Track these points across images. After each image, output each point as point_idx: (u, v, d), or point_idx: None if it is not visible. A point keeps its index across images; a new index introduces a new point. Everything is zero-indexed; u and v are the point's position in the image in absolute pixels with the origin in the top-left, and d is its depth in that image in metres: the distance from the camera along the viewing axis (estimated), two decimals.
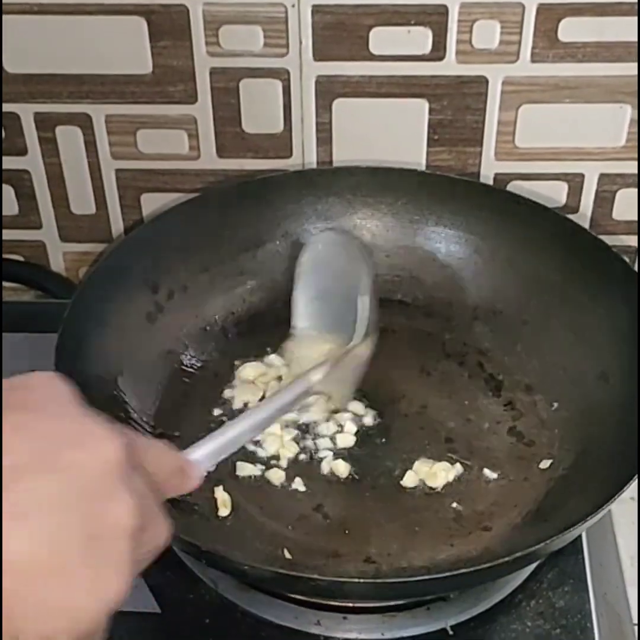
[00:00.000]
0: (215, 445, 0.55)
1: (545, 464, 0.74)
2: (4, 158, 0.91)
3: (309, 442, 0.75)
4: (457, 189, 0.85)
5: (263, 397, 0.78)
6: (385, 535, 0.70)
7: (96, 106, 0.88)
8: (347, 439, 0.76)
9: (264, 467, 0.74)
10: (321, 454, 0.75)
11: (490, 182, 0.90)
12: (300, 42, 0.83)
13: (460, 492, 0.73)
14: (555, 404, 0.77)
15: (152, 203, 0.93)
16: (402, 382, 0.80)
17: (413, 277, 0.86)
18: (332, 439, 0.76)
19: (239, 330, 0.84)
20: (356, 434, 0.76)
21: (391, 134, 0.88)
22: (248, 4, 0.81)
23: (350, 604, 0.68)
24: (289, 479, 0.73)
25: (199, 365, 0.81)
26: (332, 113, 0.87)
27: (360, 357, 0.74)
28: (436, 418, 0.78)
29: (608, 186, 0.90)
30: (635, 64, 0.83)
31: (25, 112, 0.88)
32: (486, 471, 0.74)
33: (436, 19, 0.81)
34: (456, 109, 0.87)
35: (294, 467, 0.74)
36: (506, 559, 0.60)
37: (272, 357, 0.81)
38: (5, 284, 0.98)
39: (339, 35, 0.83)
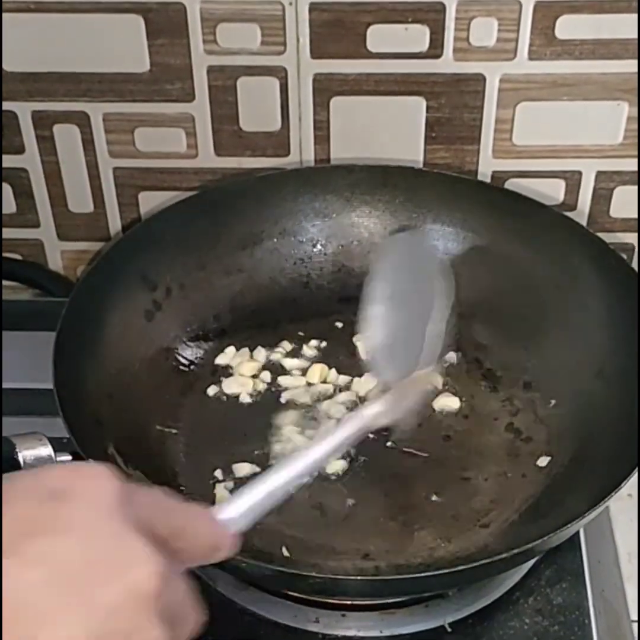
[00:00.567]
0: (255, 500, 0.50)
1: (543, 461, 0.74)
2: (2, 157, 0.91)
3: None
4: (454, 187, 0.85)
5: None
6: (383, 533, 0.70)
7: (94, 104, 0.87)
8: None
9: (261, 468, 0.73)
10: None
11: (488, 180, 0.90)
12: (298, 40, 0.83)
13: (457, 489, 0.73)
14: (553, 401, 0.77)
15: (149, 201, 0.93)
16: None
17: None
18: None
19: (237, 327, 0.83)
20: None
21: (389, 132, 0.88)
22: (245, 1, 0.81)
23: (349, 602, 0.68)
24: None
25: (196, 362, 0.81)
26: (329, 111, 0.87)
27: (424, 385, 0.69)
28: (434, 415, 0.77)
29: (605, 183, 0.90)
30: (633, 61, 0.83)
31: (23, 110, 0.88)
32: (484, 468, 0.74)
33: (433, 16, 0.81)
34: (454, 106, 0.87)
35: None
36: (504, 555, 0.60)
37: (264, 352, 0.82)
38: (3, 282, 0.98)
39: (337, 33, 0.83)
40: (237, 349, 0.82)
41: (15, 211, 0.94)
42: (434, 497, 0.72)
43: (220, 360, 0.81)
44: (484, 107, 0.87)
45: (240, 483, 0.72)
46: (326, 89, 0.86)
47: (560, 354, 0.78)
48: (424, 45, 0.83)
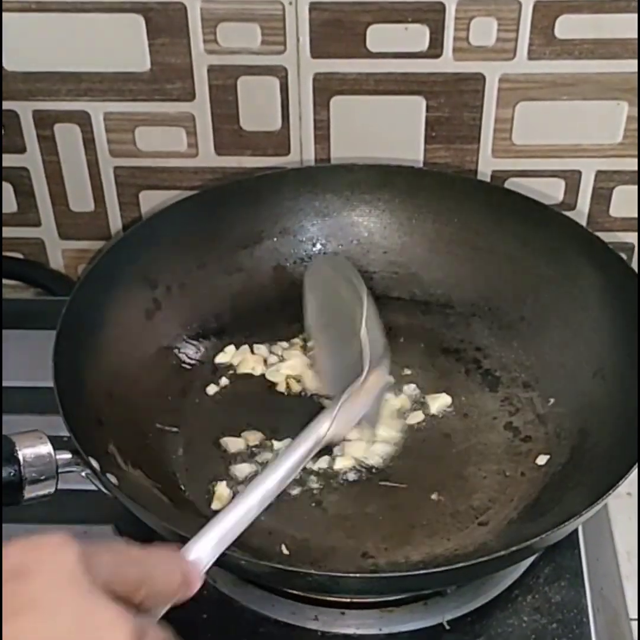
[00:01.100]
0: (218, 534, 0.52)
1: (542, 459, 0.74)
2: (3, 156, 0.91)
3: None
4: (454, 186, 0.85)
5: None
6: (382, 531, 0.70)
7: (94, 104, 0.88)
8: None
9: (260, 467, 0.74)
10: None
11: (488, 179, 0.90)
12: (298, 40, 0.83)
13: (457, 487, 0.73)
14: (552, 400, 0.77)
15: (150, 200, 0.93)
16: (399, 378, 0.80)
17: (411, 274, 0.86)
18: None
19: (237, 326, 0.84)
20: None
21: (389, 131, 0.89)
22: (245, 1, 0.81)
23: (348, 600, 0.69)
24: None
25: (196, 360, 0.81)
26: (329, 110, 0.87)
27: (375, 386, 0.70)
28: (433, 414, 0.78)
29: (605, 183, 0.91)
30: (633, 61, 0.83)
31: (24, 110, 0.88)
32: (483, 467, 0.74)
33: (433, 16, 0.81)
34: (453, 106, 0.87)
35: None
36: (502, 552, 0.60)
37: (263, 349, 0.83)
38: (4, 281, 0.99)
39: (336, 32, 0.83)
40: (237, 348, 0.82)
41: (16, 210, 0.95)
42: (433, 496, 0.72)
43: (220, 359, 0.82)
44: (483, 107, 0.87)
45: (240, 483, 0.73)
46: (326, 88, 0.86)
47: (559, 353, 0.78)
48: (423, 45, 0.83)
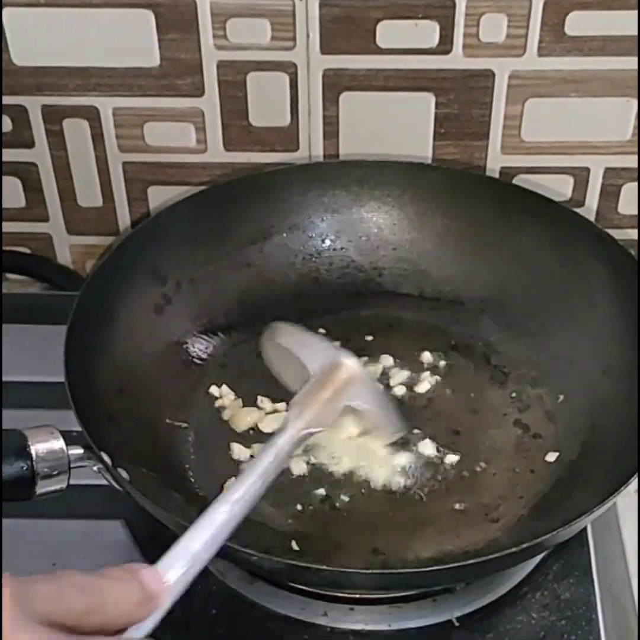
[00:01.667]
0: (189, 546, 0.51)
1: (551, 456, 0.74)
2: (12, 151, 0.91)
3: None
4: (463, 182, 0.85)
5: None
6: (392, 528, 0.70)
7: (103, 99, 0.88)
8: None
9: None
10: None
11: (496, 176, 0.90)
12: (308, 36, 0.83)
13: (466, 484, 0.73)
14: (561, 397, 0.77)
15: (159, 196, 0.93)
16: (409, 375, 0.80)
17: (420, 270, 0.86)
18: None
19: (246, 322, 0.83)
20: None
21: (398, 128, 0.88)
22: None
23: (357, 596, 0.69)
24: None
25: (206, 356, 0.81)
26: (339, 106, 0.87)
27: (341, 378, 0.67)
28: (442, 410, 0.78)
29: (614, 180, 0.90)
30: None
31: (33, 105, 0.88)
32: (492, 463, 0.74)
33: (443, 12, 0.81)
34: (462, 102, 0.87)
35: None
36: (513, 550, 0.61)
37: None
38: (11, 276, 0.98)
39: (346, 28, 0.83)
40: (246, 344, 0.82)
41: (25, 205, 0.95)
42: (442, 493, 0.72)
43: (230, 354, 0.82)
44: (492, 103, 0.87)
45: None
46: (335, 84, 0.86)
47: (568, 349, 0.78)
48: (433, 41, 0.83)
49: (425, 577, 0.63)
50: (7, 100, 0.87)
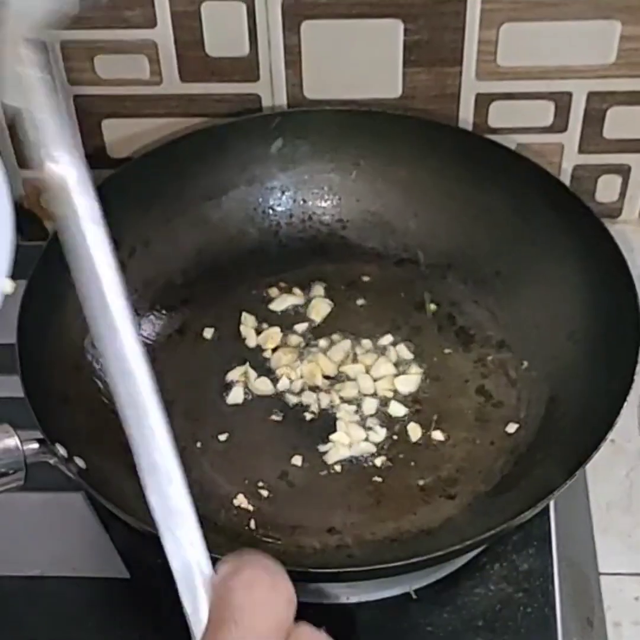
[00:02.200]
0: None
1: (512, 427, 0.72)
2: None
3: None
4: (430, 133, 0.80)
5: None
6: (350, 504, 0.70)
7: (49, 32, 0.82)
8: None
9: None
10: None
11: (471, 104, 0.85)
12: None
13: (424, 456, 0.72)
14: (525, 363, 0.75)
15: (113, 129, 0.88)
16: (371, 336, 0.78)
17: (384, 223, 0.82)
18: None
19: (205, 282, 0.81)
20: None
21: (365, 56, 0.82)
22: None
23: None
24: None
25: (167, 320, 0.79)
26: (300, 35, 0.81)
27: None
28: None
29: (598, 105, 0.85)
30: None
31: None
32: (452, 433, 0.73)
33: None
34: (433, 28, 0.80)
35: None
36: (468, 542, 0.60)
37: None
38: None
39: None
40: (208, 304, 0.80)
41: None
42: (400, 467, 0.71)
43: (191, 317, 0.79)
44: (465, 29, 0.80)
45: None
46: (296, 13, 0.80)
47: (534, 312, 0.76)
48: None
49: (380, 572, 0.63)
50: None
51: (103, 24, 0.81)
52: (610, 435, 0.75)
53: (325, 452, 0.72)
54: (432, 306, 0.79)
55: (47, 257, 0.72)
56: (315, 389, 0.75)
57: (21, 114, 0.46)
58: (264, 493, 0.70)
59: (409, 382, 0.75)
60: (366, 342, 0.77)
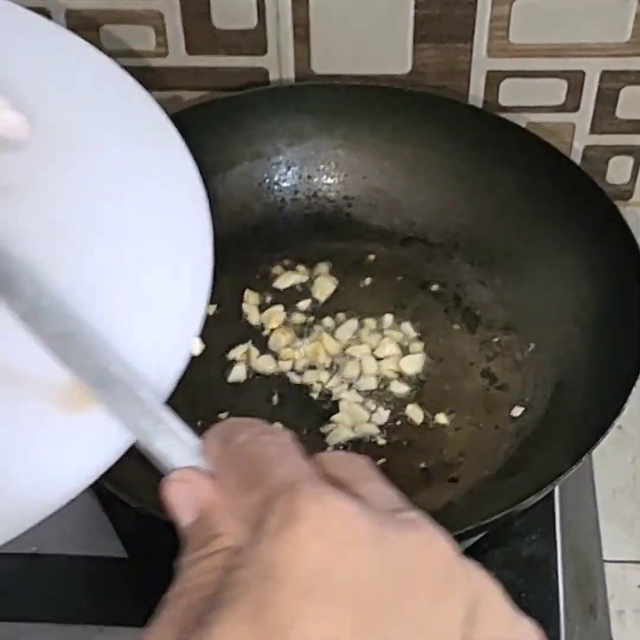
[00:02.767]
0: None
1: (517, 411, 0.71)
2: None
3: None
4: (440, 109, 0.79)
5: None
6: None
7: (55, 1, 0.81)
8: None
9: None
10: None
11: (482, 81, 0.83)
12: None
13: (426, 439, 0.71)
14: (532, 345, 0.74)
15: None
16: (375, 316, 0.77)
17: (391, 200, 0.81)
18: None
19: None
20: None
21: (374, 30, 0.81)
22: None
23: None
24: None
25: None
26: (309, 8, 0.80)
27: None
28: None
29: (611, 84, 0.83)
30: None
31: None
32: (456, 417, 0.72)
33: None
34: (444, 3, 0.79)
35: None
36: (470, 527, 0.59)
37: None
38: None
39: None
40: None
41: None
42: (402, 448, 0.70)
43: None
44: (477, 4, 0.79)
45: None
46: None
47: (542, 295, 0.74)
48: None
49: None
50: None
51: None
52: (617, 421, 0.75)
53: (327, 433, 0.71)
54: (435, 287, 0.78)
55: None
56: (318, 368, 0.74)
57: None
58: None
59: (413, 364, 0.74)
60: (370, 322, 0.76)
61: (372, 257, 0.80)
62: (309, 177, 0.82)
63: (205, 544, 0.34)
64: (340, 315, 0.77)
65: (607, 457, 0.74)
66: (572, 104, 0.84)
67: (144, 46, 0.83)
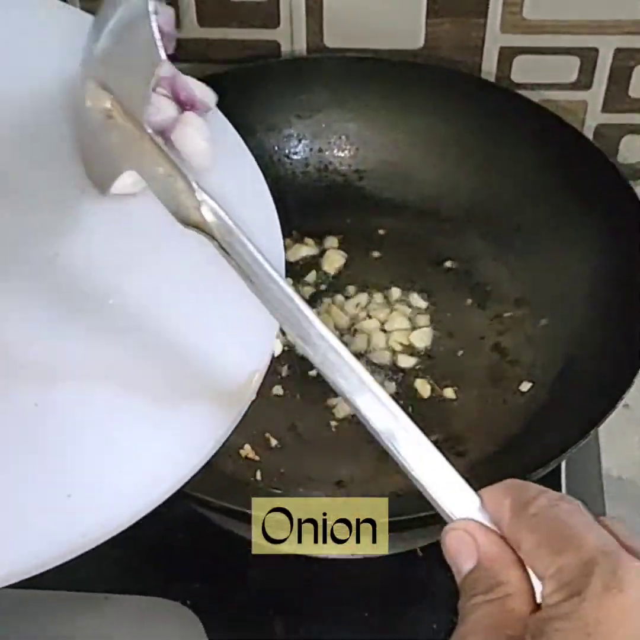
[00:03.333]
0: None
1: (525, 386, 0.71)
2: None
3: None
4: (452, 82, 0.79)
5: None
6: (359, 458, 0.68)
7: None
8: None
9: None
10: None
11: (495, 57, 0.83)
12: None
13: (434, 413, 0.71)
14: (543, 320, 0.74)
15: None
16: (385, 289, 0.77)
17: (403, 174, 0.81)
18: None
19: None
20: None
21: (387, 5, 0.81)
22: None
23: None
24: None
25: None
26: None
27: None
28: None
29: (624, 62, 0.83)
30: None
31: None
32: (465, 391, 0.71)
33: None
34: None
35: None
36: None
37: None
38: None
39: None
40: None
41: None
42: (411, 418, 0.70)
43: None
44: None
45: None
46: None
47: (554, 270, 0.74)
48: None
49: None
50: None
51: None
52: (625, 401, 0.74)
53: (334, 406, 0.71)
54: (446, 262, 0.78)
55: None
56: None
57: None
58: (272, 443, 0.69)
59: (422, 338, 0.74)
60: (380, 296, 0.76)
61: (382, 231, 0.80)
62: (320, 150, 0.82)
63: (490, 589, 0.39)
64: (350, 289, 0.77)
65: (614, 437, 0.74)
66: (584, 81, 0.84)
67: None
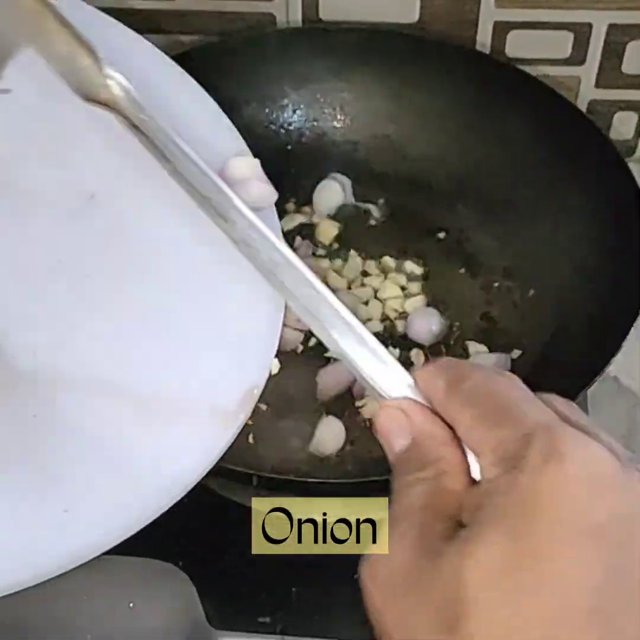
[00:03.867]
0: None
1: (515, 353, 0.72)
2: None
3: None
4: (447, 56, 0.79)
5: None
6: (348, 424, 0.69)
7: None
8: None
9: None
10: None
11: (489, 31, 0.83)
12: None
13: None
14: (532, 291, 0.75)
15: None
16: (378, 259, 0.78)
17: (397, 147, 0.82)
18: None
19: None
20: None
21: None
22: None
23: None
24: None
25: None
26: None
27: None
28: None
29: (618, 37, 0.83)
30: None
31: None
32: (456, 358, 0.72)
33: None
34: None
35: None
36: None
37: None
38: None
39: None
40: None
41: None
42: None
43: None
44: None
45: None
46: None
47: (544, 243, 0.75)
48: None
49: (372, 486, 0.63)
50: None
51: None
52: (613, 373, 0.75)
53: None
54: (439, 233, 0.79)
55: None
56: None
57: None
58: (262, 407, 0.70)
59: (415, 306, 0.74)
60: (372, 264, 0.77)
61: (376, 201, 0.80)
62: (314, 120, 0.82)
63: (424, 467, 0.37)
64: (343, 257, 0.78)
65: (603, 407, 0.75)
66: (578, 57, 0.85)
67: None
